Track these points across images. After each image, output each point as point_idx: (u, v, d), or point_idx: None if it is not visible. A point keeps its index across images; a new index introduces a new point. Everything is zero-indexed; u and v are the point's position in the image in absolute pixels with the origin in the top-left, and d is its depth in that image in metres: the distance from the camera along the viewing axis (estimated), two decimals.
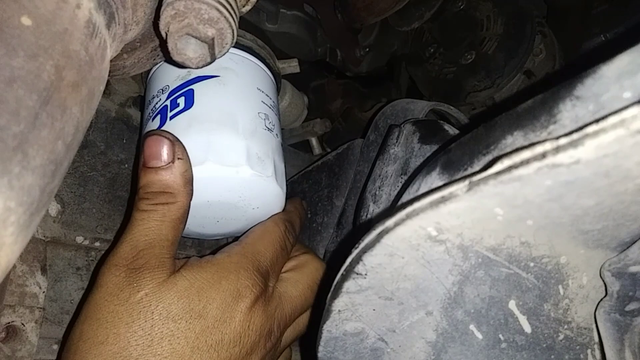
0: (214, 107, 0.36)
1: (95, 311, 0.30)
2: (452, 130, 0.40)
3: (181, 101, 0.36)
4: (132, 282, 0.30)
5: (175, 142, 0.33)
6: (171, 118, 0.36)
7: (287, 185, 0.41)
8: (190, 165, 0.34)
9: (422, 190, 0.28)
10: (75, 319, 0.31)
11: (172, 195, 0.33)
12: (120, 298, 0.30)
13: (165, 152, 0.33)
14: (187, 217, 0.34)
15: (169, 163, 0.33)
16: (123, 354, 0.28)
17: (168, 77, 0.38)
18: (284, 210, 0.41)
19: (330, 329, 0.27)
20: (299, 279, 0.38)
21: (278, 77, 0.45)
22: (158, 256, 0.32)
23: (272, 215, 0.39)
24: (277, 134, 0.40)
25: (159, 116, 0.37)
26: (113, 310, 0.30)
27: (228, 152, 0.35)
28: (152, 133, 0.34)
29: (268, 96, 0.41)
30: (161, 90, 0.38)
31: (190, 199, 0.34)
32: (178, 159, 0.33)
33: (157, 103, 0.38)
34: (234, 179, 0.35)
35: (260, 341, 0.33)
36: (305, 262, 0.39)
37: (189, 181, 0.33)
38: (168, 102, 0.37)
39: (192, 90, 0.37)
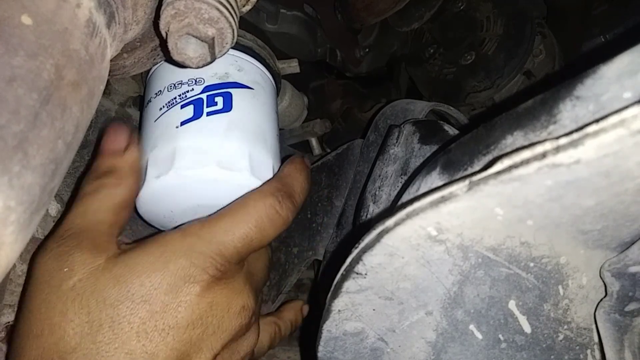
0: (250, 119, 0.37)
1: (28, 303, 0.29)
2: (452, 131, 0.40)
3: (219, 101, 0.36)
4: (62, 266, 0.28)
5: (132, 134, 0.34)
6: (208, 114, 0.35)
7: None
8: (140, 159, 0.34)
9: (422, 190, 0.28)
10: None
11: (117, 177, 0.32)
12: (52, 285, 0.28)
13: (121, 140, 0.33)
14: (131, 205, 0.33)
15: (120, 151, 0.33)
16: (60, 344, 0.27)
17: (203, 70, 0.37)
18: (276, 176, 0.36)
19: (330, 328, 0.27)
20: (262, 252, 0.37)
21: (278, 78, 0.45)
22: (92, 238, 0.30)
23: (261, 185, 0.34)
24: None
25: (192, 106, 0.36)
26: (45, 299, 0.28)
27: (260, 166, 0.36)
28: (113, 124, 0.34)
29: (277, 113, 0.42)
30: (194, 81, 0.37)
31: (136, 188, 0.33)
32: (131, 148, 0.33)
33: (187, 92, 0.36)
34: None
35: (231, 317, 0.31)
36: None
37: (137, 170, 0.33)
38: (204, 97, 0.36)
39: (231, 94, 0.37)
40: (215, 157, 0.34)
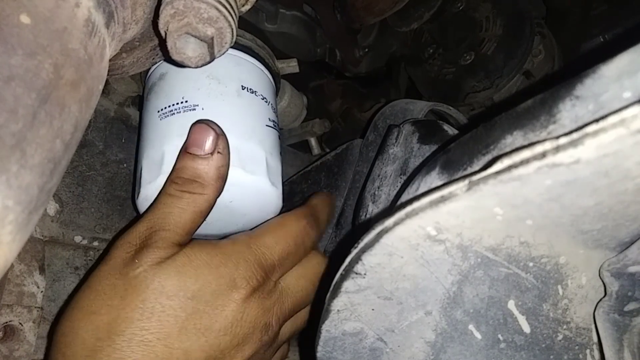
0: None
1: (95, 282, 0.31)
2: (452, 131, 0.40)
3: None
4: (135, 258, 0.30)
5: (220, 135, 0.33)
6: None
7: (285, 185, 0.41)
8: (228, 163, 0.33)
9: (422, 190, 0.28)
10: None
11: (202, 186, 0.32)
12: (122, 272, 0.30)
13: (208, 142, 0.33)
14: (209, 212, 0.34)
15: (208, 154, 0.32)
16: (112, 325, 0.29)
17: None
18: (308, 204, 0.39)
19: (329, 328, 0.27)
20: (302, 273, 0.36)
21: (277, 77, 0.45)
22: (167, 239, 0.31)
23: (296, 209, 0.38)
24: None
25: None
26: (112, 283, 0.30)
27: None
28: (201, 121, 0.34)
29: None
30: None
31: (218, 195, 0.33)
32: (218, 152, 0.33)
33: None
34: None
35: (255, 333, 0.32)
36: (310, 256, 0.38)
37: (222, 177, 0.33)
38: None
39: None
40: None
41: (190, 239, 0.33)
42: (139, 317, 0.29)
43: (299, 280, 0.36)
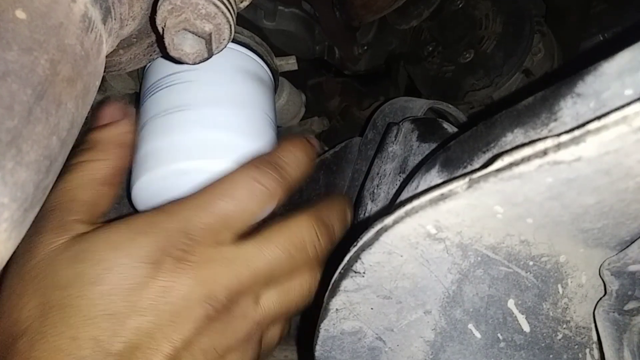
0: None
1: (2, 282, 0.28)
2: (451, 129, 0.40)
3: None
4: (29, 248, 0.27)
5: (125, 109, 0.32)
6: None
7: None
8: (132, 131, 0.31)
9: (421, 188, 0.28)
10: None
11: (97, 151, 0.30)
12: (15, 269, 0.27)
13: (109, 115, 0.32)
14: (115, 181, 0.31)
15: (108, 124, 0.31)
16: (14, 328, 0.26)
17: None
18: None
19: (327, 327, 0.27)
20: (269, 237, 0.30)
21: (276, 75, 0.45)
22: (60, 218, 0.28)
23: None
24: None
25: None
26: (8, 283, 0.27)
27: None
28: (108, 102, 0.33)
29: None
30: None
31: (122, 163, 0.31)
32: (120, 120, 0.31)
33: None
34: None
35: (192, 307, 0.27)
36: (287, 220, 0.31)
37: (123, 144, 0.31)
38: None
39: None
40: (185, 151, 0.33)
41: (102, 213, 0.30)
42: (38, 314, 0.26)
43: (265, 247, 0.29)
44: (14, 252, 0.26)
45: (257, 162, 0.30)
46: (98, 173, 0.30)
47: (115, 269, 0.26)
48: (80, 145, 0.31)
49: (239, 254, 0.29)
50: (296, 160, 0.32)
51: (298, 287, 0.32)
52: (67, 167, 0.29)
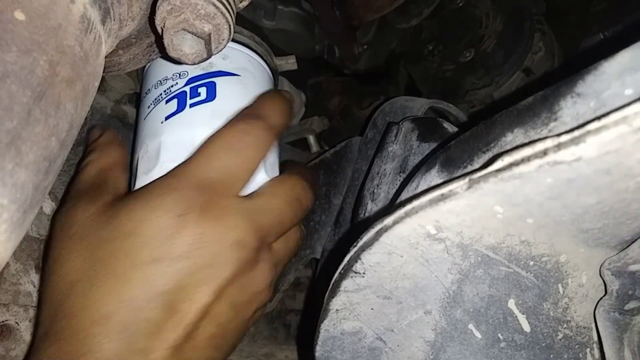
0: (235, 105, 0.36)
1: (44, 261, 0.32)
2: (451, 128, 0.40)
3: (202, 91, 0.36)
4: (68, 219, 0.32)
5: (106, 128, 0.40)
6: (191, 105, 0.35)
7: None
8: (116, 137, 0.39)
9: (421, 188, 0.28)
10: None
11: (97, 151, 0.36)
12: (61, 236, 0.31)
13: (97, 132, 0.39)
14: (119, 167, 0.36)
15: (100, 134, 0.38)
16: (64, 281, 0.30)
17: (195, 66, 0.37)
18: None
19: (327, 328, 0.27)
20: (274, 192, 0.34)
21: (276, 74, 0.45)
22: (87, 194, 0.33)
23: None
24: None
25: (175, 100, 0.36)
26: (56, 247, 0.31)
27: None
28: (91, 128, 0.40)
29: None
30: (178, 75, 0.37)
31: (119, 155, 0.37)
32: (105, 132, 0.38)
33: (172, 86, 0.37)
34: None
35: (226, 252, 0.30)
36: (282, 178, 0.36)
37: (113, 143, 0.38)
38: (187, 89, 0.36)
39: (214, 83, 0.36)
40: (198, 142, 0.34)
41: (116, 187, 0.34)
42: (86, 267, 0.29)
43: (272, 200, 0.34)
44: (56, 223, 0.33)
45: (241, 117, 0.34)
46: (102, 164, 0.35)
47: (149, 222, 0.30)
48: (82, 158, 0.37)
49: (256, 205, 0.33)
50: (276, 108, 0.36)
51: (295, 236, 0.37)
52: (76, 170, 0.36)
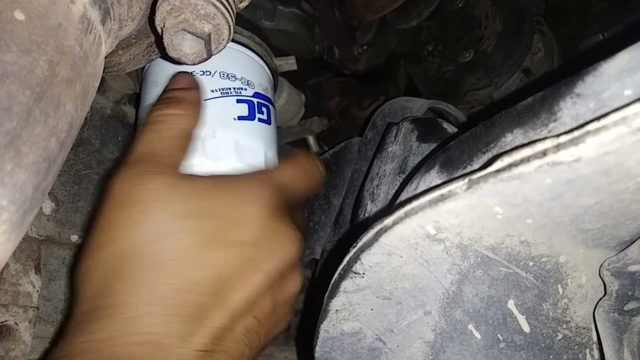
0: (276, 135, 0.42)
1: (104, 220, 0.30)
2: (451, 129, 0.40)
3: (265, 111, 0.40)
4: (139, 185, 0.30)
5: (195, 80, 0.36)
6: (259, 120, 0.39)
7: None
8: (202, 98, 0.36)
9: (421, 188, 0.28)
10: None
11: (182, 107, 0.34)
12: (131, 202, 0.30)
13: (186, 81, 0.36)
14: (192, 136, 0.34)
15: (188, 88, 0.35)
16: (135, 249, 0.29)
17: (252, 76, 0.40)
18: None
19: (327, 328, 0.27)
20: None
21: (275, 75, 0.45)
22: (160, 162, 0.32)
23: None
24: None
25: (246, 105, 0.39)
26: (125, 214, 0.30)
27: None
28: (178, 73, 0.37)
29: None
30: (246, 82, 0.39)
31: (197, 121, 0.35)
32: (195, 88, 0.36)
33: (242, 90, 0.39)
34: None
35: (288, 249, 0.32)
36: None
37: (200, 105, 0.35)
38: (255, 102, 0.39)
39: (269, 109, 0.41)
40: (264, 158, 0.38)
41: (178, 163, 0.33)
42: (158, 239, 0.29)
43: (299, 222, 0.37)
44: (119, 191, 0.30)
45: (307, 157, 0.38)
46: (183, 125, 0.34)
47: (232, 206, 0.31)
48: (162, 101, 0.34)
49: (295, 229, 0.34)
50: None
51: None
52: (152, 119, 0.33)
